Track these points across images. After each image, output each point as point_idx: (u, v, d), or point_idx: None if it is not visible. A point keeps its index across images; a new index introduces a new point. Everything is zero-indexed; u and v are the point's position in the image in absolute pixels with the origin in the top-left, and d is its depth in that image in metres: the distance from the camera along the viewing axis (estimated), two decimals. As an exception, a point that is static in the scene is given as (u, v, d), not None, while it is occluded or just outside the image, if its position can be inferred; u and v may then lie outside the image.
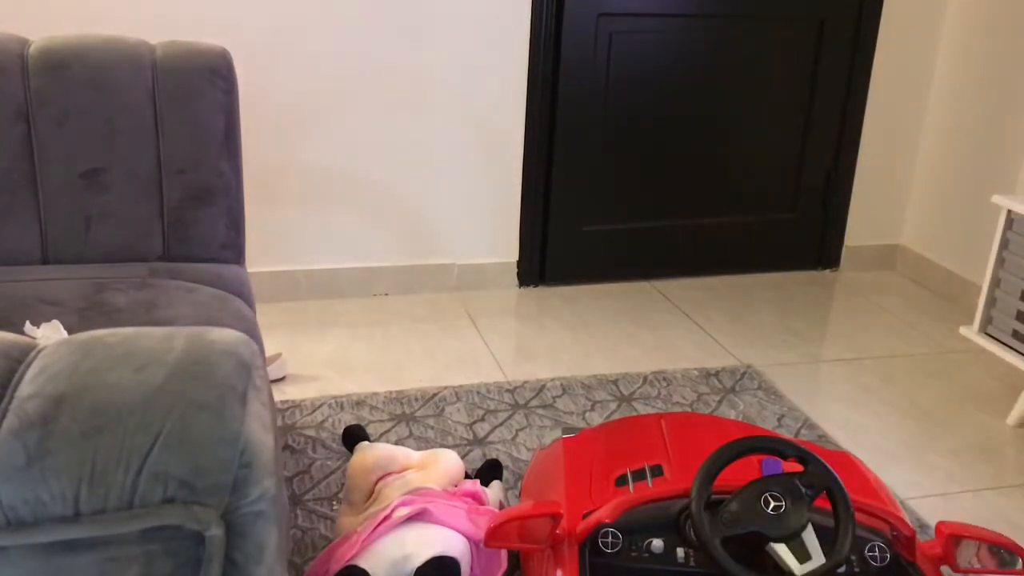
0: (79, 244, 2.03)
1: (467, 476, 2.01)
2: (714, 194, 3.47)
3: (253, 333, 1.83)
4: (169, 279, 1.94)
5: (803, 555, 1.30)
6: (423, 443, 2.30)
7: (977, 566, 1.40)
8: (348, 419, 2.38)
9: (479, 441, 2.33)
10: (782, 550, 1.30)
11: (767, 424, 2.49)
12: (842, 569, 1.41)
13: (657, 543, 1.44)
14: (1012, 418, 2.57)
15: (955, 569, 1.41)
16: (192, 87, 2.01)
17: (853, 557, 1.43)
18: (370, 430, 2.32)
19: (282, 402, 2.47)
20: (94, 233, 2.03)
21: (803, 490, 1.34)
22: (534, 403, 2.54)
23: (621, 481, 1.59)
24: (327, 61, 2.89)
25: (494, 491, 1.92)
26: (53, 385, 0.93)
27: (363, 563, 1.55)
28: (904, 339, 3.08)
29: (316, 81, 2.91)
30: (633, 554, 1.43)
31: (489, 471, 2.07)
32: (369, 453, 1.88)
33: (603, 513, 1.43)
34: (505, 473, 2.16)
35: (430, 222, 3.16)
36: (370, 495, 1.83)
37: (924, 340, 3.08)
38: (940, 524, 1.42)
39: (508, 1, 2.98)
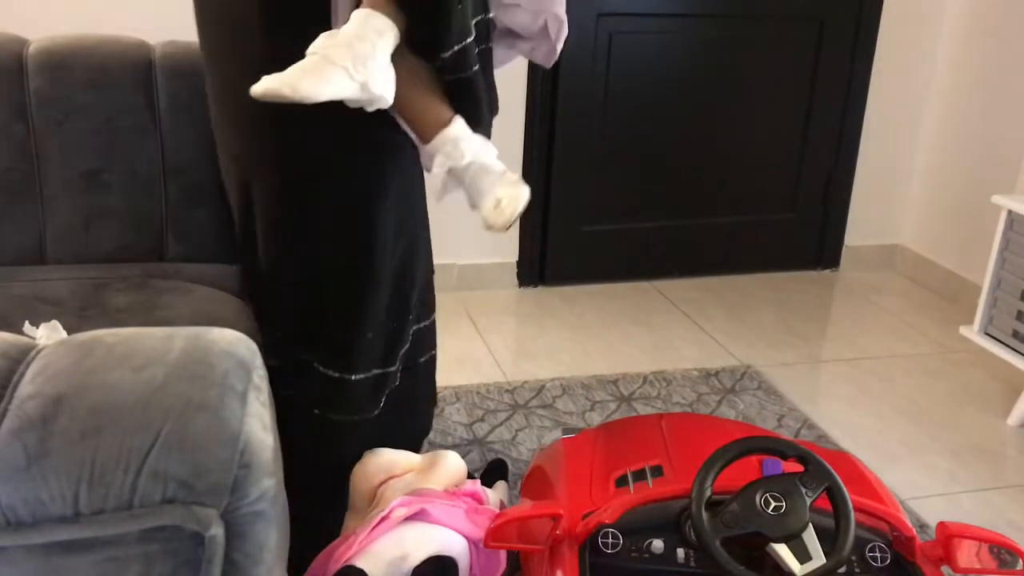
0: (79, 244, 2.03)
1: (469, 476, 2.01)
2: (714, 194, 3.47)
3: (252, 333, 1.82)
4: (169, 279, 1.94)
5: (803, 555, 1.30)
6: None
7: (977, 566, 1.40)
8: (348, 419, 2.38)
9: (479, 441, 2.33)
10: (782, 550, 1.30)
11: (767, 424, 2.49)
12: (842, 569, 1.41)
13: (657, 543, 1.44)
14: (1012, 418, 2.57)
15: (955, 569, 1.41)
16: (192, 87, 2.01)
17: (853, 558, 1.43)
18: (370, 430, 2.32)
19: (282, 402, 2.46)
20: (94, 233, 2.03)
21: (803, 490, 1.33)
22: (534, 403, 2.53)
23: (621, 481, 1.59)
24: (327, 61, 2.88)
25: (498, 491, 1.92)
26: (52, 385, 0.93)
27: (361, 563, 1.54)
28: (904, 339, 3.08)
29: (316, 81, 2.91)
30: (633, 555, 1.43)
31: (494, 471, 2.07)
32: (371, 458, 1.88)
33: (603, 514, 1.43)
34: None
35: (430, 222, 3.15)
36: (373, 499, 1.83)
37: (924, 340, 3.08)
38: (940, 524, 1.42)
39: (508, 1, 2.98)
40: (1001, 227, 2.50)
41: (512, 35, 1.73)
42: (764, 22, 3.30)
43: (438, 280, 2.08)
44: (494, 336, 2.96)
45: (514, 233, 3.29)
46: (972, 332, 2.62)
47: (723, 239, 3.53)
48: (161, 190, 2.04)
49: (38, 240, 2.02)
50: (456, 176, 1.64)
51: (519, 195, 1.63)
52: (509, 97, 3.10)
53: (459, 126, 1.59)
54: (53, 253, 2.03)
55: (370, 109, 1.48)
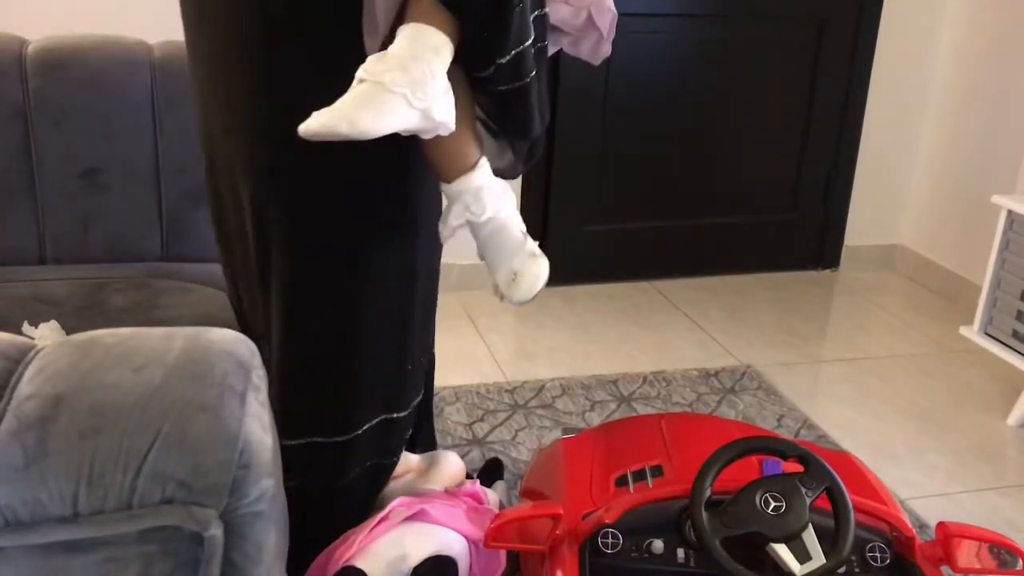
0: (77, 244, 2.03)
1: (468, 476, 2.00)
2: (714, 194, 3.46)
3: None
4: (168, 279, 1.94)
5: (803, 555, 1.30)
6: (423, 443, 2.30)
7: (977, 566, 1.39)
8: (347, 419, 2.38)
9: (478, 441, 2.33)
10: (782, 550, 1.30)
11: (767, 424, 2.49)
12: (842, 570, 1.41)
13: (657, 543, 1.44)
14: (1012, 418, 2.57)
15: (955, 569, 1.41)
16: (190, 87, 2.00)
17: (853, 558, 1.43)
18: (369, 430, 2.32)
19: (281, 402, 2.46)
20: (92, 233, 2.03)
21: (803, 490, 1.33)
22: (533, 403, 2.53)
23: (621, 481, 1.59)
24: (326, 61, 2.88)
25: (497, 491, 1.92)
26: (51, 386, 0.93)
27: (360, 563, 1.54)
28: (904, 339, 3.08)
29: (315, 81, 2.90)
30: (633, 555, 1.43)
31: (491, 471, 2.07)
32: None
33: (603, 513, 1.43)
34: (505, 473, 2.16)
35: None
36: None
37: (924, 340, 3.08)
38: (940, 524, 1.42)
39: (508, 1, 2.98)
40: (1001, 227, 2.50)
41: (554, 30, 1.56)
42: (764, 22, 3.29)
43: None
44: (494, 336, 2.96)
45: (514, 233, 3.29)
46: (972, 332, 2.62)
47: (723, 239, 3.52)
48: (160, 190, 2.04)
49: (37, 240, 2.02)
50: (471, 230, 1.48)
51: (539, 272, 1.49)
52: (509, 97, 3.11)
53: (484, 172, 1.42)
54: (52, 253, 2.03)
55: (427, 137, 1.31)
